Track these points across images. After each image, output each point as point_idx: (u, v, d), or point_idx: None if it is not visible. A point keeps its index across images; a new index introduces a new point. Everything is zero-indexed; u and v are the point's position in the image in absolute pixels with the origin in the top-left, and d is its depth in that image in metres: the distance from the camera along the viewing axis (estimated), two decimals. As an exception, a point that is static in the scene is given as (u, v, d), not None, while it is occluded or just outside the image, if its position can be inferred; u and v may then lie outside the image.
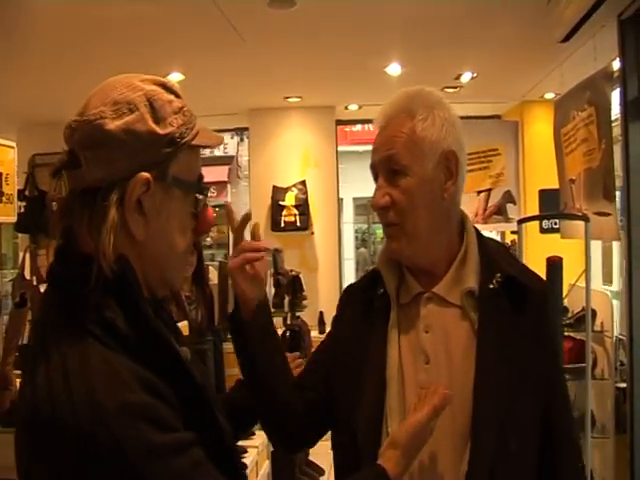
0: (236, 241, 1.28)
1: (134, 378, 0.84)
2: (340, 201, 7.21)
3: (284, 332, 4.68)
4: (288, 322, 5.00)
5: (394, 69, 4.87)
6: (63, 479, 0.83)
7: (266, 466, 3.41)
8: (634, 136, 3.24)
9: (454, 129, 1.27)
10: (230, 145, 10.56)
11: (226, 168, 10.71)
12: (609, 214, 3.42)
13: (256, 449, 3.19)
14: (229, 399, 1.44)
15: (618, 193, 3.50)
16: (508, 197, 5.40)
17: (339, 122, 6.60)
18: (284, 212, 6.01)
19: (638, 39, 3.20)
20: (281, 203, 6.02)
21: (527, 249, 3.71)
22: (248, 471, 2.85)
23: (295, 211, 6.00)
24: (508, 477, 1.18)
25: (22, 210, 5.13)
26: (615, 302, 4.19)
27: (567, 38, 3.55)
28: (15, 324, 2.78)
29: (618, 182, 3.44)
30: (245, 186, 9.44)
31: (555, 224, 4.81)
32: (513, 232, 5.38)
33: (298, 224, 6.00)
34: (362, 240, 14.93)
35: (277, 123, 6.28)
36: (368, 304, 1.33)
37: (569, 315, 3.97)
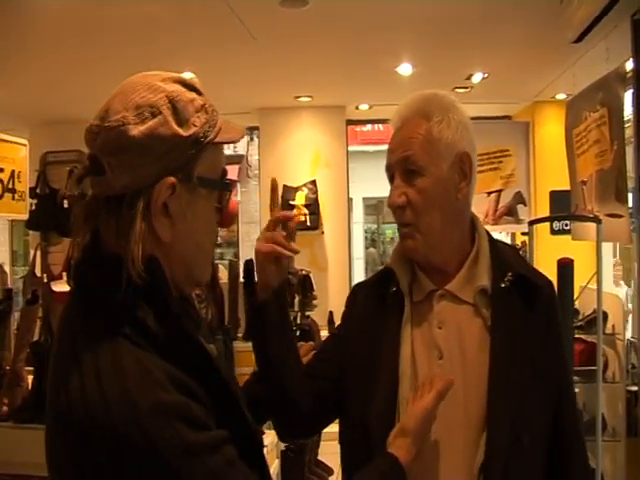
0: (272, 209, 1.33)
1: (166, 377, 0.84)
2: (350, 201, 7.21)
3: (294, 331, 4.68)
4: (298, 321, 5.00)
5: (405, 69, 4.87)
6: (97, 479, 0.83)
7: (275, 465, 3.40)
8: (647, 137, 3.22)
9: (467, 132, 1.31)
10: (240, 144, 10.55)
11: (236, 167, 10.71)
12: (621, 216, 3.40)
13: (265, 448, 3.18)
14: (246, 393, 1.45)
15: (630, 195, 3.47)
16: (519, 198, 5.38)
17: (350, 122, 6.61)
18: (294, 211, 6.01)
19: (651, 40, 3.19)
20: (291, 202, 6.02)
21: (538, 250, 3.69)
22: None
23: (305, 210, 6.00)
24: (522, 471, 1.20)
25: (33, 208, 5.15)
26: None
27: (579, 38, 3.53)
28: (26, 321, 2.79)
29: (630, 184, 3.42)
30: (255, 185, 9.46)
31: (566, 226, 4.78)
32: (524, 233, 5.36)
33: (308, 224, 6.00)
34: (372, 240, 14.93)
35: (287, 122, 6.29)
36: (379, 302, 1.35)
37: (580, 317, 3.95)
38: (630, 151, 3.38)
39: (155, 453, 0.80)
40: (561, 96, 5.66)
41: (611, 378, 3.86)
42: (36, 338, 2.81)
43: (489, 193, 5.28)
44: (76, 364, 0.85)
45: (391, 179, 1.32)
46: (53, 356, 0.93)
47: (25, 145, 4.37)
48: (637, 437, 3.31)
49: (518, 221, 5.33)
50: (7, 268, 5.74)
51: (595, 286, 3.34)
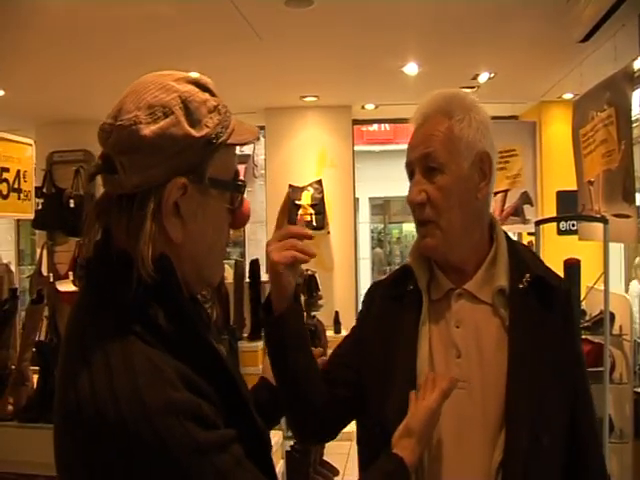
0: (279, 223, 1.30)
1: (177, 376, 0.84)
2: (356, 201, 7.20)
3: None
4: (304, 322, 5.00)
5: (411, 69, 4.85)
6: (107, 477, 0.83)
7: (281, 466, 3.40)
8: (655, 137, 3.20)
9: (488, 132, 1.30)
10: (246, 144, 10.57)
11: (242, 167, 10.73)
12: (628, 216, 3.38)
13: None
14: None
15: (638, 195, 3.46)
16: (525, 198, 5.36)
17: (356, 122, 6.59)
18: (300, 211, 6.00)
19: (660, 39, 3.17)
20: (297, 202, 6.02)
21: (544, 251, 3.67)
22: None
23: (311, 210, 5.99)
24: (541, 471, 1.20)
25: (40, 207, 5.18)
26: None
27: (587, 38, 3.52)
28: (32, 320, 2.80)
29: (638, 184, 3.40)
30: (261, 185, 9.45)
31: (573, 226, 4.76)
32: (530, 233, 5.33)
33: (314, 223, 5.99)
34: (378, 240, 14.90)
35: (293, 122, 6.29)
36: (397, 300, 1.35)
37: (587, 318, 3.93)
38: (638, 151, 3.36)
39: (165, 451, 0.80)
40: (568, 96, 5.64)
41: (618, 379, 3.84)
42: (42, 338, 2.82)
43: (495, 193, 5.27)
44: (86, 362, 0.85)
45: (411, 176, 1.31)
46: (61, 354, 0.92)
47: (31, 145, 4.39)
48: (644, 439, 3.30)
49: (525, 221, 5.32)
50: (13, 267, 5.75)
51: (602, 287, 3.33)
